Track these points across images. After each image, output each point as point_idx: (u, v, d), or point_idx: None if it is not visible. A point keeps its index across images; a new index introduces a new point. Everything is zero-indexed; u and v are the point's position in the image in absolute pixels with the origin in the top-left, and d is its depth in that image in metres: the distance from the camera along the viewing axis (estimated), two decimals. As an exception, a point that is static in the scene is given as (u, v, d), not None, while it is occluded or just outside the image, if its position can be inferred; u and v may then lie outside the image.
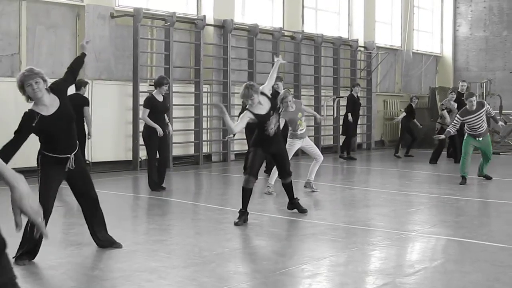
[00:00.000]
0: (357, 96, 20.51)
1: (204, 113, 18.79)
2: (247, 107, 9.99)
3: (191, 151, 18.66)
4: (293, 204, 10.65)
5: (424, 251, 8.31)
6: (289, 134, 12.79)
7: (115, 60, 16.87)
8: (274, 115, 9.99)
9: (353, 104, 20.26)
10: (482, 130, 14.15)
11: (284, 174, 10.40)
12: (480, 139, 14.15)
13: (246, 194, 9.87)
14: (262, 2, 21.75)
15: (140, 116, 12.66)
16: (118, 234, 8.36)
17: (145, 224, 9.63)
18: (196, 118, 18.52)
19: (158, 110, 12.83)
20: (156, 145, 12.93)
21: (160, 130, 12.71)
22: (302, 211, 10.52)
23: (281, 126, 11.39)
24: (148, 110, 12.74)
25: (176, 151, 17.95)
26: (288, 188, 10.54)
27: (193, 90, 18.65)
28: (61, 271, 6.93)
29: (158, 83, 12.89)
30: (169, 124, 13.21)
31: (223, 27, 19.40)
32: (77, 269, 7.12)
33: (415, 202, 12.18)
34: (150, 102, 12.85)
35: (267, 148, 10.06)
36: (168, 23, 17.62)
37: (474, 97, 14.23)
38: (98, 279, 6.62)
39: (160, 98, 12.90)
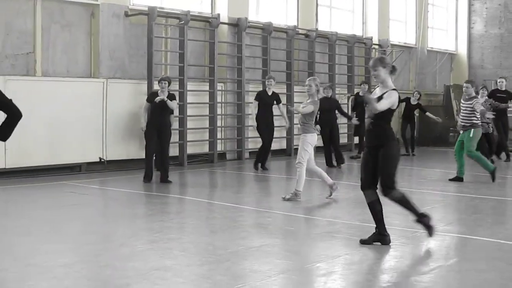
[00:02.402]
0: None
1: (219, 111, 18.78)
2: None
3: (206, 149, 18.67)
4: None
5: (439, 249, 8.29)
6: (310, 128, 11.89)
7: (129, 59, 16.89)
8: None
9: (354, 104, 20.25)
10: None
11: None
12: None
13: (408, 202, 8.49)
14: (276, 0, 21.73)
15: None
16: (133, 232, 8.39)
17: (160, 222, 9.65)
18: (210, 117, 18.52)
19: (157, 105, 13.87)
20: (152, 138, 14.05)
21: (142, 127, 14.39)
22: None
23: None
24: (147, 104, 14.20)
25: (190, 149, 17.96)
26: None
27: (207, 88, 18.65)
28: (76, 269, 6.95)
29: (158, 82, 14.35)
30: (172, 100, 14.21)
31: (237, 26, 19.39)
32: (92, 267, 7.14)
33: (430, 200, 12.14)
34: (150, 96, 14.30)
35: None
36: (183, 22, 17.62)
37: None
38: (113, 277, 6.64)
39: (162, 95, 13.98)
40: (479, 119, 14.41)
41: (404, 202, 8.45)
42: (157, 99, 13.74)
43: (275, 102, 16.67)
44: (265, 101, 16.42)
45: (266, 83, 16.69)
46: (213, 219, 10.36)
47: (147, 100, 14.33)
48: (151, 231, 8.98)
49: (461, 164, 14.42)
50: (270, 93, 16.56)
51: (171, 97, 14.17)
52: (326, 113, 16.68)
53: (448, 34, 30.21)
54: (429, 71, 28.29)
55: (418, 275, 6.75)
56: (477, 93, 17.78)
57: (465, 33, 30.06)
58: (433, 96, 27.88)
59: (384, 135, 8.31)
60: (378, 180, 8.32)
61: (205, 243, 8.30)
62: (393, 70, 8.35)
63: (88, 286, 6.41)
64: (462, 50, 30.21)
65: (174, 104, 14.14)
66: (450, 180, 14.38)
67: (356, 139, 21.40)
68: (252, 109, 16.88)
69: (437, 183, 14.46)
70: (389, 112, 8.26)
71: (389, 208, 11.02)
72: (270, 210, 10.76)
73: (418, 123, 24.63)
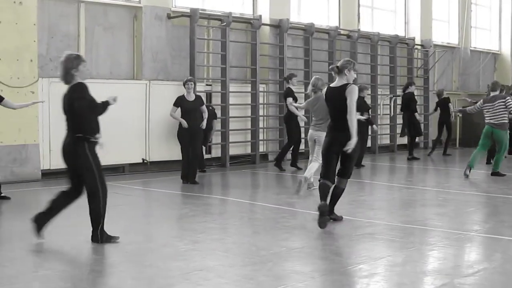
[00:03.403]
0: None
1: (261, 113, 18.82)
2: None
3: (248, 150, 18.72)
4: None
5: (483, 251, 8.23)
6: (323, 126, 12.00)
7: (171, 61, 17.01)
8: None
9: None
10: None
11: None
12: None
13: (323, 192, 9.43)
14: (318, 1, 21.68)
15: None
16: (176, 232, 8.45)
17: (203, 223, 9.70)
18: (252, 118, 18.57)
19: (186, 109, 14.20)
20: (185, 141, 14.13)
21: (184, 123, 14.00)
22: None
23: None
24: (174, 108, 14.38)
25: (232, 150, 18.02)
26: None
27: (249, 89, 18.69)
28: (120, 268, 7.03)
29: (183, 84, 14.46)
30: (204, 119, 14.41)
31: (279, 27, 19.41)
32: (135, 267, 7.21)
33: (474, 202, 12.04)
34: (177, 100, 14.41)
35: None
36: (225, 23, 17.69)
37: None
38: (157, 277, 6.70)
39: (189, 97, 14.28)
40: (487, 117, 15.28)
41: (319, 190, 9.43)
42: (203, 126, 14.31)
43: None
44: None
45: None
46: (256, 220, 10.39)
47: (175, 104, 14.41)
48: (194, 232, 9.03)
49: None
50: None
51: (199, 99, 14.35)
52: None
53: (492, 33, 29.90)
54: (472, 72, 28.01)
55: (462, 277, 6.71)
56: None
57: (509, 32, 29.71)
58: (476, 97, 27.57)
59: None
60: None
61: (248, 244, 8.33)
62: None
63: (132, 285, 6.47)
64: (506, 50, 29.87)
65: (205, 114, 14.49)
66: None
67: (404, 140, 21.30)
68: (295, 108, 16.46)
69: (479, 185, 14.34)
70: None
71: (431, 210, 10.99)
72: (312, 211, 10.74)
73: (459, 125, 24.49)
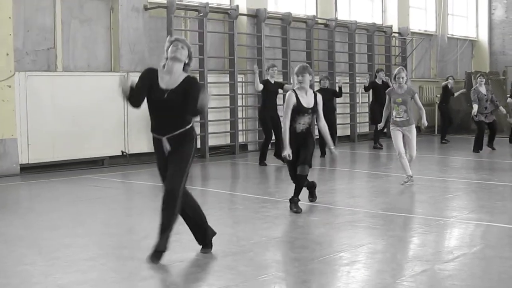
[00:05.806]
0: (382, 82, 20.18)
1: (239, 103, 18.80)
2: (294, 87, 9.84)
3: (227, 141, 18.70)
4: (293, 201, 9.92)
5: (462, 237, 8.27)
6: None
7: (149, 52, 16.93)
8: (309, 115, 9.73)
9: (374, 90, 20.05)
10: None
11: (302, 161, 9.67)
12: None
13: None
14: (294, -10, 21.70)
15: None
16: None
17: (183, 215, 9.67)
18: (231, 108, 18.55)
19: None
20: None
21: None
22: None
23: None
24: None
25: (212, 141, 18.01)
26: (300, 181, 9.85)
27: (227, 80, 18.66)
28: (101, 261, 7.01)
29: None
30: None
31: (256, 17, 19.38)
32: (117, 260, 7.19)
33: (453, 188, 12.10)
34: None
35: (292, 143, 9.64)
36: (202, 14, 17.64)
37: None
38: (138, 270, 6.68)
39: None
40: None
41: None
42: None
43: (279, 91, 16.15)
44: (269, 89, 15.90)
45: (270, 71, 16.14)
46: (236, 210, 10.40)
47: None
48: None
49: None
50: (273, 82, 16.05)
51: None
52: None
53: (469, 20, 30.00)
54: (450, 59, 28.11)
55: (442, 263, 6.74)
56: None
57: (486, 19, 29.83)
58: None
59: None
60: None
61: (228, 234, 8.33)
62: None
63: (113, 278, 6.44)
64: (483, 37, 29.99)
65: None
66: None
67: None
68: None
69: (459, 171, 14.41)
70: None
71: (410, 197, 11.02)
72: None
73: (437, 112, 24.44)
